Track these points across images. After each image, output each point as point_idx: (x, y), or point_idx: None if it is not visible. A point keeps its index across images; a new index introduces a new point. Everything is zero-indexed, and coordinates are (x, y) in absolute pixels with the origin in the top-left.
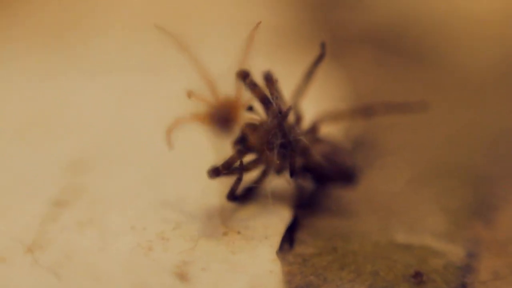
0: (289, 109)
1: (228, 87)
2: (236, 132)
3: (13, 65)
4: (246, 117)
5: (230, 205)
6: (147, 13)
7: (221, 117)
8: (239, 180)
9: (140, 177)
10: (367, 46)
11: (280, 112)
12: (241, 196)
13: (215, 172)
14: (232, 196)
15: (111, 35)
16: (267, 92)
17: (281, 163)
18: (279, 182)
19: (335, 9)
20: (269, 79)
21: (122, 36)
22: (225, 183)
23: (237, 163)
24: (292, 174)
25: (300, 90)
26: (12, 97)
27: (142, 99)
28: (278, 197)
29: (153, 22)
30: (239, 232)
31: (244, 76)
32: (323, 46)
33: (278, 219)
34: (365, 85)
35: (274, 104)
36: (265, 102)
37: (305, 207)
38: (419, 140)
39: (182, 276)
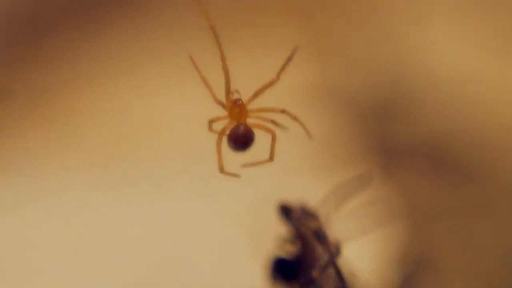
0: (341, 245)
1: None
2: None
3: (63, 179)
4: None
5: None
6: (200, 138)
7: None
8: None
9: None
10: (417, 158)
11: (332, 249)
12: None
13: None
14: None
15: (164, 156)
16: (312, 225)
17: None
18: None
19: (384, 122)
20: (308, 212)
21: (176, 157)
22: None
23: None
24: None
25: (340, 206)
26: (62, 217)
27: (196, 222)
28: None
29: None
30: None
31: (287, 211)
32: None
33: None
34: (417, 199)
35: (328, 241)
36: (317, 237)
37: None
38: (472, 260)
39: None
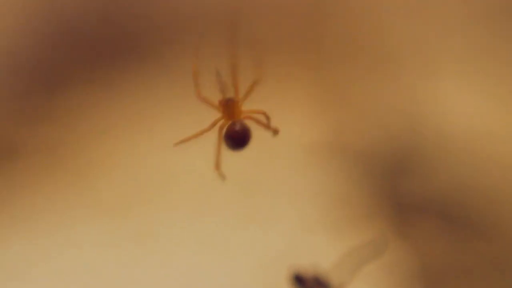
0: None
1: None
2: None
3: (78, 233)
4: None
5: None
6: (212, 191)
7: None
8: None
9: None
10: (430, 215)
11: None
12: None
13: None
14: None
15: (176, 208)
16: None
17: None
18: None
19: (396, 178)
20: (321, 282)
21: (190, 212)
22: None
23: None
24: None
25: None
26: (78, 271)
27: (206, 278)
28: None
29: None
30: None
31: (301, 280)
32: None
33: None
34: (430, 258)
35: None
36: None
37: None
38: None
39: None
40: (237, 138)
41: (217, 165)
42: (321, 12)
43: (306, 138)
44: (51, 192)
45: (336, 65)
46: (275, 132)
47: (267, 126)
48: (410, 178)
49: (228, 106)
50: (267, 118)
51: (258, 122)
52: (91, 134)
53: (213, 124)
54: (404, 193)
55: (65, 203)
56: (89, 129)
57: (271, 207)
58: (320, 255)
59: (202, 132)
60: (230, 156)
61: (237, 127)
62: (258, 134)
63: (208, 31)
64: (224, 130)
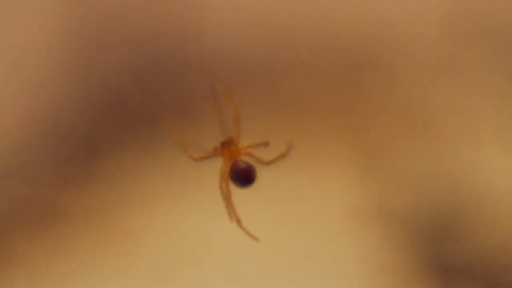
0: None
1: None
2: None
3: None
4: None
5: None
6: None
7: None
8: None
9: None
10: (474, 278)
11: None
12: None
13: None
14: None
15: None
16: None
17: None
18: None
19: (438, 242)
20: None
21: (229, 275)
22: None
23: None
24: None
25: None
26: None
27: None
28: None
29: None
30: None
31: None
32: None
33: None
34: None
35: None
36: None
37: None
38: None
39: None
40: (244, 176)
41: (238, 220)
42: (360, 74)
43: (347, 202)
44: (91, 256)
45: (377, 129)
46: (266, 144)
47: (260, 160)
48: (453, 242)
49: (226, 148)
50: (266, 144)
51: (254, 157)
52: (131, 200)
53: (215, 151)
54: (448, 257)
55: (106, 268)
56: (130, 193)
57: (310, 273)
58: None
59: (207, 156)
60: (270, 220)
61: (241, 165)
62: (297, 195)
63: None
64: (228, 171)
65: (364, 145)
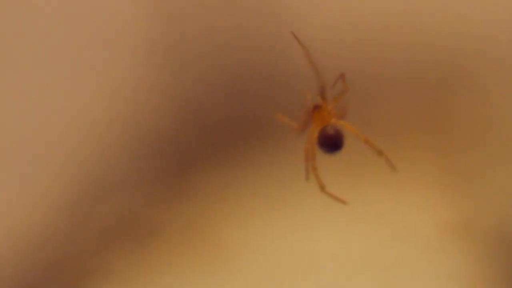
0: None
1: None
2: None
3: None
4: None
5: None
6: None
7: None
8: None
9: None
10: None
11: None
12: None
13: None
14: None
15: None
16: None
17: None
18: None
19: None
20: None
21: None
22: None
23: None
24: None
25: None
26: None
27: None
28: None
29: None
30: None
31: None
32: None
33: None
34: None
35: None
36: None
37: None
38: None
39: None
40: (331, 141)
41: (322, 187)
42: (449, 91)
43: (438, 219)
44: (186, 273)
45: (468, 146)
46: (342, 77)
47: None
48: None
49: (317, 112)
50: (342, 77)
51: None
52: (223, 216)
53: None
54: None
55: (201, 284)
56: (221, 211)
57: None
58: None
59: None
60: (361, 238)
61: (330, 130)
62: (387, 212)
63: None
64: (317, 136)
65: (454, 162)
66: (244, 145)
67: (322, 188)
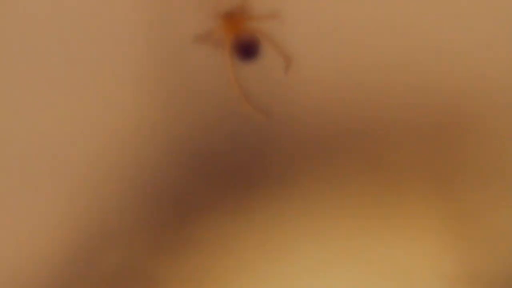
0: None
1: None
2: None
3: None
4: None
5: None
6: None
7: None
8: None
9: None
10: None
11: None
12: None
13: None
14: None
15: None
16: None
17: None
18: None
19: None
20: None
21: None
22: None
23: None
24: None
25: None
26: None
27: None
28: None
29: None
30: None
31: None
32: None
33: None
34: None
35: None
36: None
37: None
38: None
39: None
40: (246, 47)
41: (245, 97)
42: (451, 134)
43: (440, 269)
44: None
45: (471, 192)
46: (273, 17)
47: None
48: None
49: (230, 20)
50: (274, 17)
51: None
52: (225, 268)
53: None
54: None
55: None
56: (224, 263)
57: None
58: None
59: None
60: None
61: (243, 37)
62: (387, 259)
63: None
64: (231, 44)
65: (457, 209)
66: (249, 195)
67: (245, 99)
